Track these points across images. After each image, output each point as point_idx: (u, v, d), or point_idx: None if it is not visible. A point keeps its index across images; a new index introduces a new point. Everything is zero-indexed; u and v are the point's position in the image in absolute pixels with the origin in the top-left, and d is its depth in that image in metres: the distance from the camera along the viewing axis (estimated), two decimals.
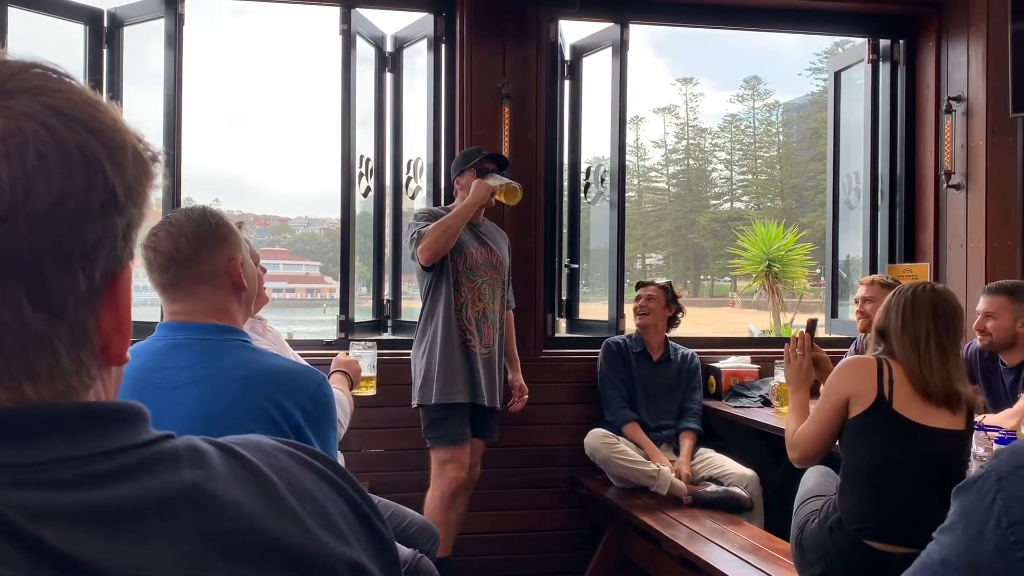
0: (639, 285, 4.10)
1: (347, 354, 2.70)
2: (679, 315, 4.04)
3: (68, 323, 0.52)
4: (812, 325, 2.77)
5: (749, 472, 3.62)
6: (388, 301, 4.25)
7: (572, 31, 4.34)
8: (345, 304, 3.98)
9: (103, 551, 0.47)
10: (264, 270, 2.30)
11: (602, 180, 4.35)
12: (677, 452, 3.81)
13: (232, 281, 1.57)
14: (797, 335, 2.69)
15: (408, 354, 3.59)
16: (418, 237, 3.33)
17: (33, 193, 0.49)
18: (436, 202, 4.02)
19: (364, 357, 2.73)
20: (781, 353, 4.06)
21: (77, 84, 0.54)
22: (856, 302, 3.82)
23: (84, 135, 0.51)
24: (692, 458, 3.77)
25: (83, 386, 0.53)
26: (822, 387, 2.49)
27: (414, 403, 3.45)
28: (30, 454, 0.48)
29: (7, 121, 0.49)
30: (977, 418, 2.46)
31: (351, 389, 2.55)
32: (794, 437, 2.47)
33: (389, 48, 4.24)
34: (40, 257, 0.50)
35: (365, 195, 4.14)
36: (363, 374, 2.66)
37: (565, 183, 4.38)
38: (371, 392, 2.80)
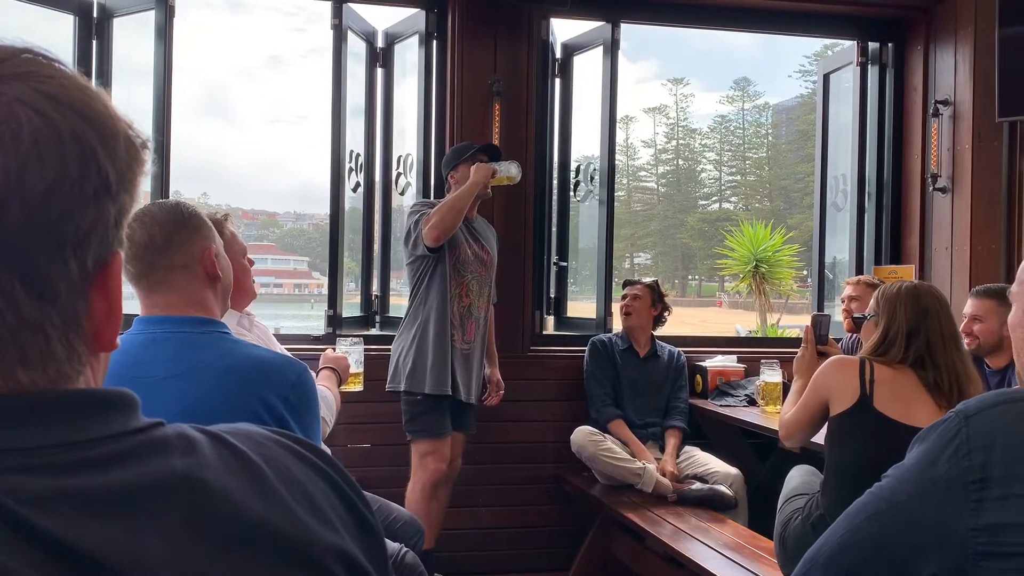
0: (626, 284, 4.11)
1: (334, 350, 2.70)
2: (665, 314, 4.06)
3: (60, 309, 0.52)
4: (816, 319, 2.88)
5: (734, 471, 3.64)
6: (376, 297, 4.25)
7: (563, 29, 4.36)
8: (333, 299, 3.98)
9: (95, 536, 0.47)
10: (251, 262, 2.29)
11: (592, 179, 4.36)
12: (663, 449, 3.83)
13: (206, 271, 1.57)
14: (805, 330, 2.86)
15: None
16: (422, 218, 3.33)
17: (27, 180, 0.49)
18: (426, 198, 4.03)
19: (351, 353, 2.72)
20: (767, 353, 4.12)
21: (68, 70, 0.54)
22: (843, 301, 3.86)
23: (77, 122, 0.51)
24: (677, 456, 3.79)
25: (74, 372, 0.54)
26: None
27: (397, 388, 3.42)
28: (23, 439, 0.49)
29: (0, 107, 0.49)
30: None
31: (339, 385, 2.55)
32: (783, 419, 2.60)
33: (380, 43, 4.24)
34: (34, 244, 0.50)
35: (355, 190, 4.14)
36: (351, 370, 2.65)
37: (555, 181, 4.39)
38: (358, 388, 2.79)
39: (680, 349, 4.11)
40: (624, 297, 4.04)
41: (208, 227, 1.61)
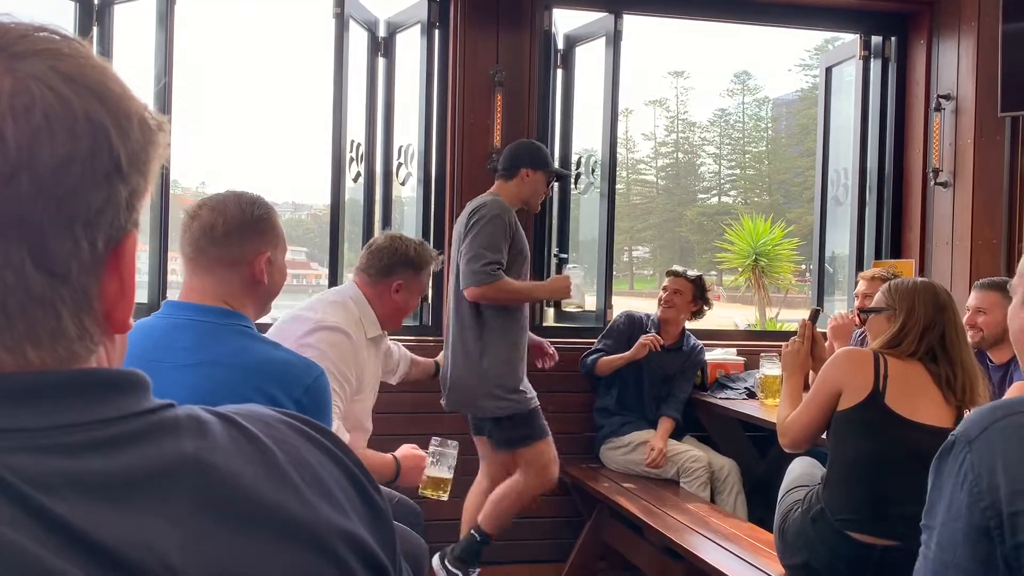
0: (670, 274, 4.03)
1: (415, 448, 2.38)
2: (705, 308, 3.98)
3: (71, 287, 0.52)
4: (815, 314, 2.81)
5: (728, 460, 3.72)
6: None
7: (566, 20, 4.34)
8: None
9: (102, 518, 0.47)
10: (418, 303, 2.25)
11: (593, 171, 4.35)
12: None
13: (253, 274, 1.60)
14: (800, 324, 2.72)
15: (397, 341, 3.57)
16: (486, 272, 3.11)
17: (37, 154, 0.49)
18: (427, 189, 4.02)
19: (445, 457, 2.41)
20: (767, 346, 4.11)
21: (86, 50, 0.54)
22: (857, 297, 3.80)
23: (91, 101, 0.51)
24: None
25: (86, 351, 0.53)
26: (812, 375, 2.51)
27: (501, 413, 3.25)
28: (32, 419, 0.48)
29: (15, 82, 0.49)
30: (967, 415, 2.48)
31: (394, 481, 2.30)
32: (785, 423, 2.48)
33: (382, 32, 4.22)
34: (43, 218, 0.50)
35: (355, 180, 4.12)
36: (442, 476, 2.42)
37: None
38: (443, 497, 2.47)
39: (703, 343, 4.09)
40: (665, 288, 3.96)
41: (274, 234, 1.63)
